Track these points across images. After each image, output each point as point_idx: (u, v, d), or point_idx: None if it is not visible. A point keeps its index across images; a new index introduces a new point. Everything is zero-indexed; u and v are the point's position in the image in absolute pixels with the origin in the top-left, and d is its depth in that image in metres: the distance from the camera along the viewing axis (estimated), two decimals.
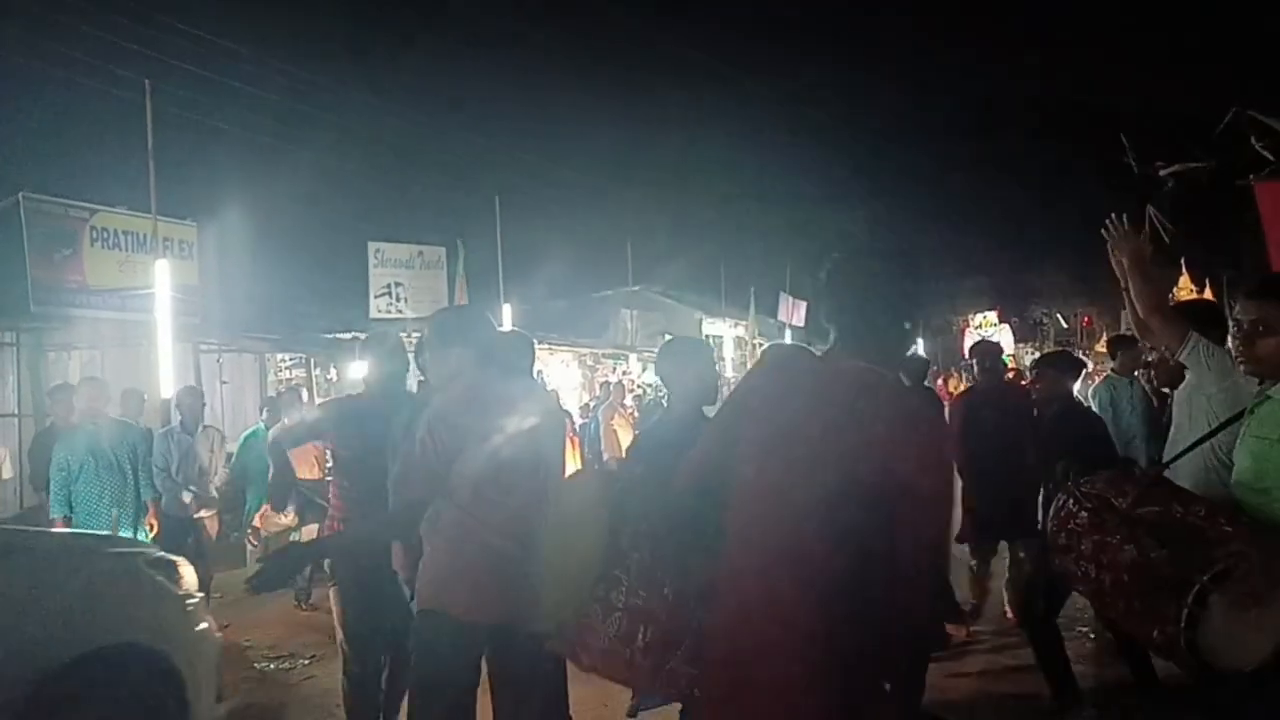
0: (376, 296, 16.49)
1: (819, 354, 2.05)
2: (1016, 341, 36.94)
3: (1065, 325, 41.56)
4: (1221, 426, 2.81)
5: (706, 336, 25.89)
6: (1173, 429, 3.35)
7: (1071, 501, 2.57)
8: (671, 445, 2.63)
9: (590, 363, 20.15)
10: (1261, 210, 5.72)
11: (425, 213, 22.11)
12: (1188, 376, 3.23)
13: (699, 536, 2.05)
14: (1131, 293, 3.28)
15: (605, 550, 2.14)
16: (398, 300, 16.63)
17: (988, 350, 5.94)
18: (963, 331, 36.56)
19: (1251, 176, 5.75)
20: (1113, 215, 3.22)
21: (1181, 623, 2.14)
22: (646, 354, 21.79)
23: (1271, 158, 5.56)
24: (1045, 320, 42.02)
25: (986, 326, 35.99)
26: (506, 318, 15.92)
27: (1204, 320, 3.47)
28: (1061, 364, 5.12)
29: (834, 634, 1.79)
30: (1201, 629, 2.13)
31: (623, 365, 20.88)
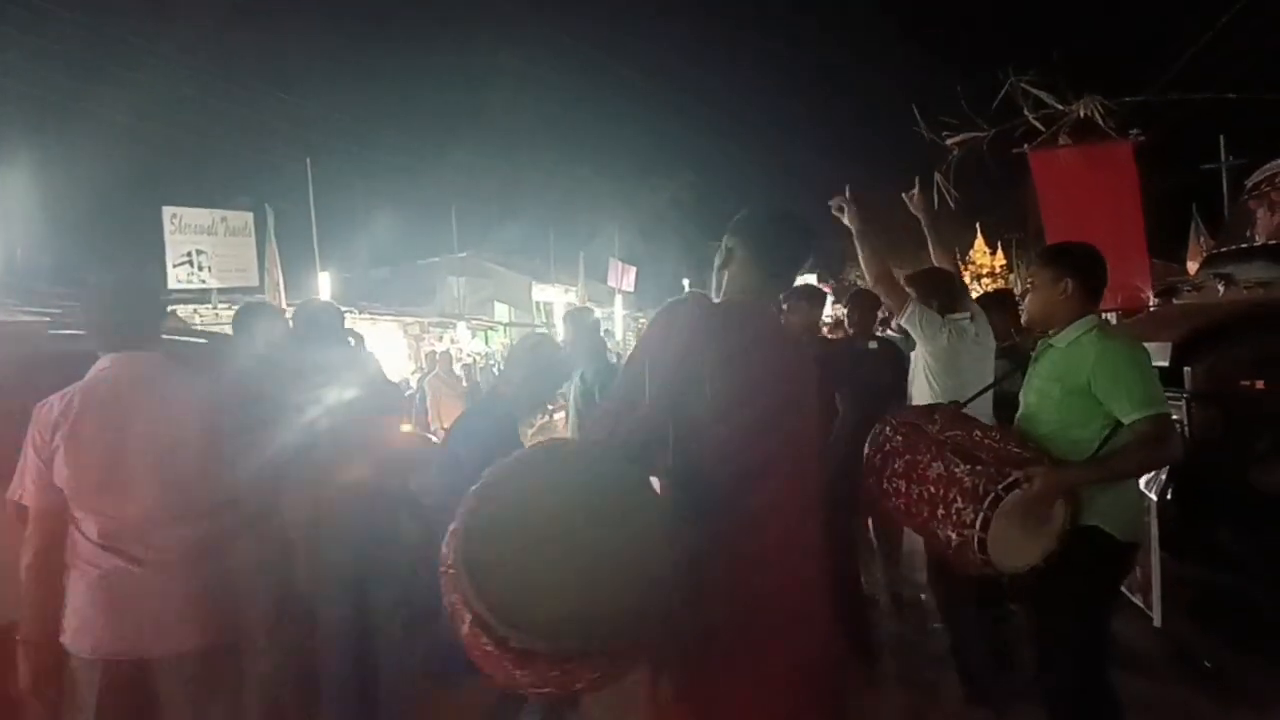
0: (175, 265, 15.22)
1: (737, 300, 2.19)
2: (834, 303, 38.87)
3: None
4: (1002, 379, 3.34)
5: (537, 303, 25.67)
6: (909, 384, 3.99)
7: (888, 428, 2.89)
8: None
9: (416, 332, 19.52)
10: (1035, 177, 6.22)
11: (229, 175, 20.61)
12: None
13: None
14: (862, 261, 3.77)
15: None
16: (199, 269, 15.43)
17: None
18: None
19: (1026, 146, 6.24)
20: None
21: (976, 526, 2.47)
22: (476, 322, 21.34)
23: (1043, 128, 6.04)
24: (860, 283, 44.34)
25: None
26: (324, 287, 15.14)
27: (928, 288, 3.94)
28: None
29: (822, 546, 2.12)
30: (991, 533, 2.47)
31: (451, 333, 20.36)
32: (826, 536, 2.15)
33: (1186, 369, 4.78)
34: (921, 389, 3.84)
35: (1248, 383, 4.65)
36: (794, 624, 2.00)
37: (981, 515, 2.46)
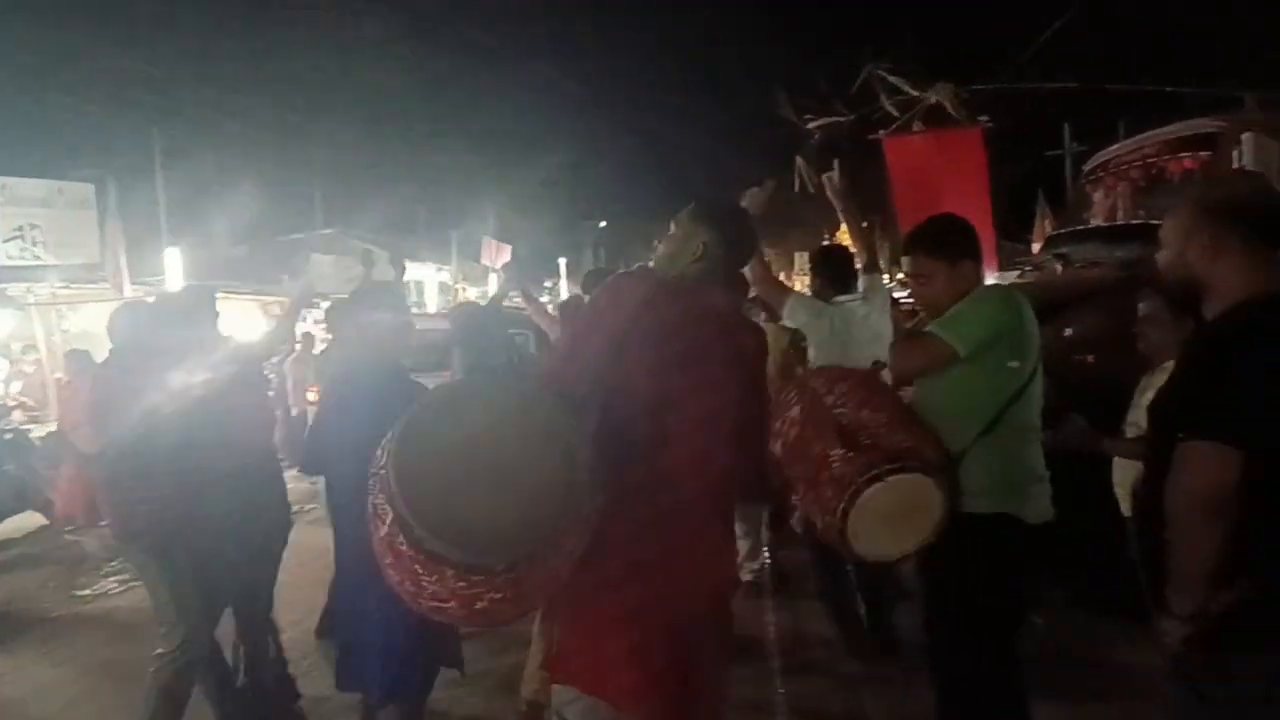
0: (5, 241, 13.98)
1: (687, 280, 2.27)
2: None
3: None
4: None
5: (408, 281, 24.94)
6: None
7: (794, 392, 2.80)
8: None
9: (277, 312, 18.61)
10: (889, 162, 6.46)
11: (68, 144, 19.03)
12: None
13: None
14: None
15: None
16: (33, 244, 14.21)
17: None
18: None
19: (881, 132, 6.46)
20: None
21: (837, 514, 2.46)
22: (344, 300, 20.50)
23: (898, 114, 6.27)
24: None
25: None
26: (171, 264, 14.22)
27: (826, 266, 4.02)
28: None
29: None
30: (851, 523, 2.46)
31: (315, 313, 19.50)
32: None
33: None
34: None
35: (1080, 358, 4.99)
36: (684, 583, 2.09)
37: (841, 505, 2.46)
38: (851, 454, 2.50)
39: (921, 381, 2.83)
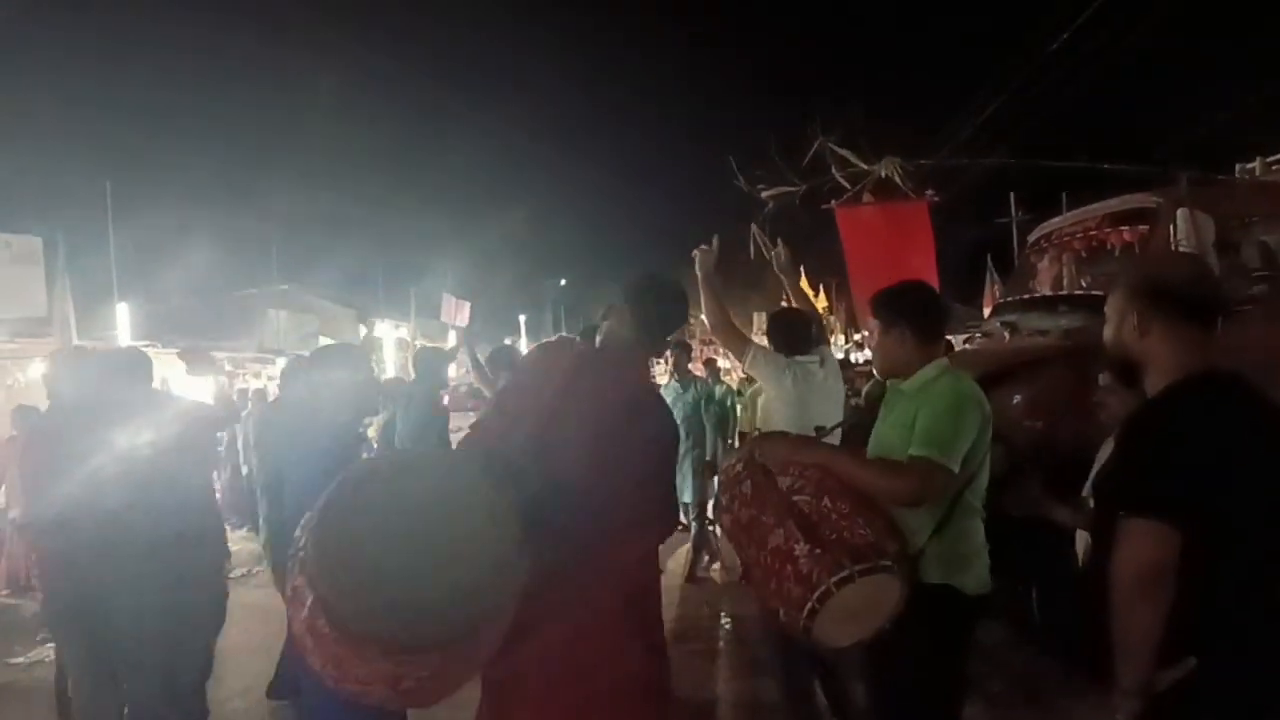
0: None
1: (611, 351, 2.40)
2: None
3: (690, 323, 45.38)
4: (840, 424, 3.30)
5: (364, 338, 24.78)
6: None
7: (741, 466, 2.67)
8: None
9: (229, 368, 18.28)
10: (841, 231, 6.65)
11: (16, 197, 18.75)
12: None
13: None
14: (703, 307, 3.81)
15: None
16: None
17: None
18: None
19: (833, 202, 6.66)
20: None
21: (804, 612, 2.39)
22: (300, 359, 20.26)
23: (849, 185, 6.47)
24: (692, 320, 45.63)
25: None
26: (122, 319, 13.96)
27: (782, 327, 4.06)
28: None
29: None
30: (818, 620, 2.39)
31: (269, 369, 19.23)
32: None
33: None
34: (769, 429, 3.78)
35: (1030, 424, 5.10)
36: (600, 663, 2.11)
37: (810, 605, 2.38)
38: (818, 551, 2.42)
39: (885, 450, 2.74)
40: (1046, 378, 5.11)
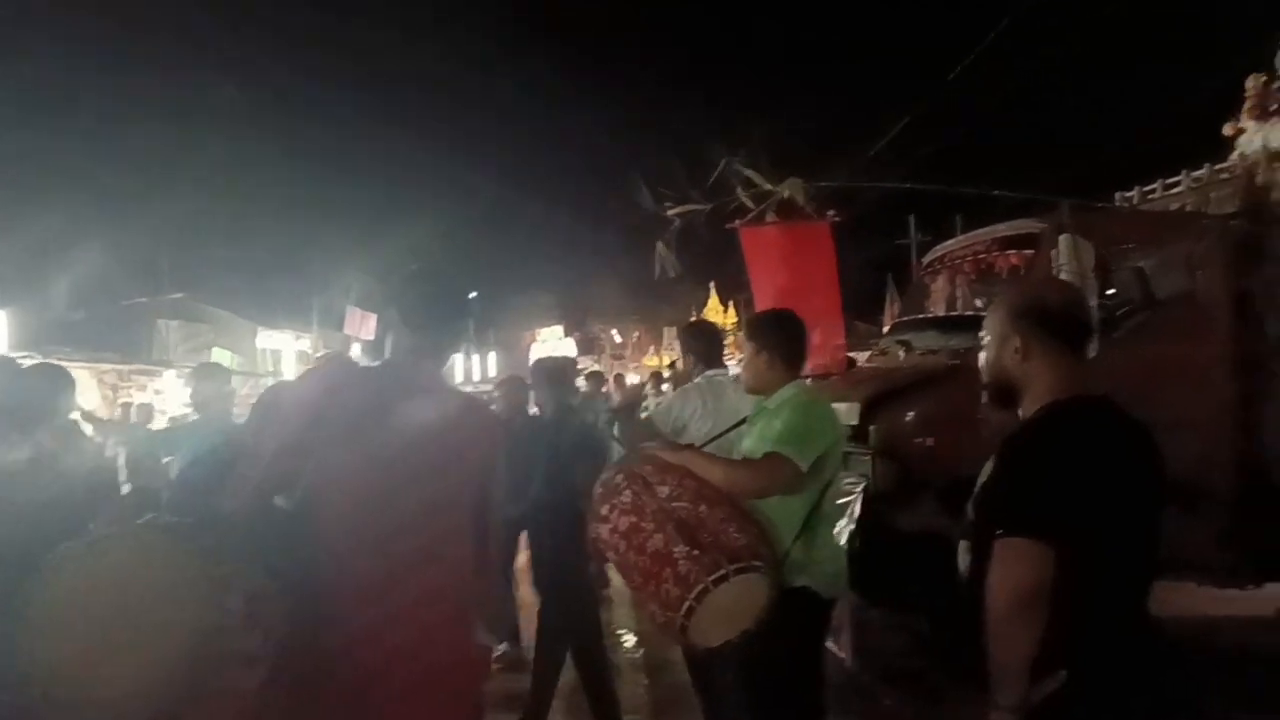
0: None
1: (384, 364, 2.19)
2: (580, 354, 39.97)
3: (619, 340, 45.56)
4: (731, 429, 3.34)
5: (263, 350, 23.98)
6: None
7: (620, 477, 2.81)
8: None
9: (112, 381, 17.35)
10: (745, 251, 6.76)
11: None
12: None
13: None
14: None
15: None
16: None
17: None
18: (529, 344, 38.48)
19: (737, 221, 6.77)
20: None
21: (681, 612, 2.53)
22: (189, 370, 19.40)
23: (753, 205, 6.58)
24: (602, 335, 45.74)
25: (553, 340, 38.34)
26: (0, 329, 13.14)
27: (696, 338, 4.13)
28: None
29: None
30: (695, 619, 2.54)
31: (156, 383, 18.31)
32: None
33: (871, 427, 5.31)
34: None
35: (920, 441, 5.25)
36: (397, 696, 1.98)
37: (687, 604, 2.52)
38: (696, 552, 2.57)
39: None
40: (937, 396, 5.26)
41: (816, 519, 2.88)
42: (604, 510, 2.79)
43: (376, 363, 2.21)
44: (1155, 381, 5.16)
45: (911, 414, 5.29)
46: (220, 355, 22.18)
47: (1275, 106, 6.33)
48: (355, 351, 24.16)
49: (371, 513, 1.95)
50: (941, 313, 6.73)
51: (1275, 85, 6.46)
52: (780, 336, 3.06)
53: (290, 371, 23.02)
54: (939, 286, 7.05)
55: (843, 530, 5.20)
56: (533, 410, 5.15)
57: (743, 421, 3.20)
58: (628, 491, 2.77)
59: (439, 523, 2.03)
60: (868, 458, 5.24)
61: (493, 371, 35.51)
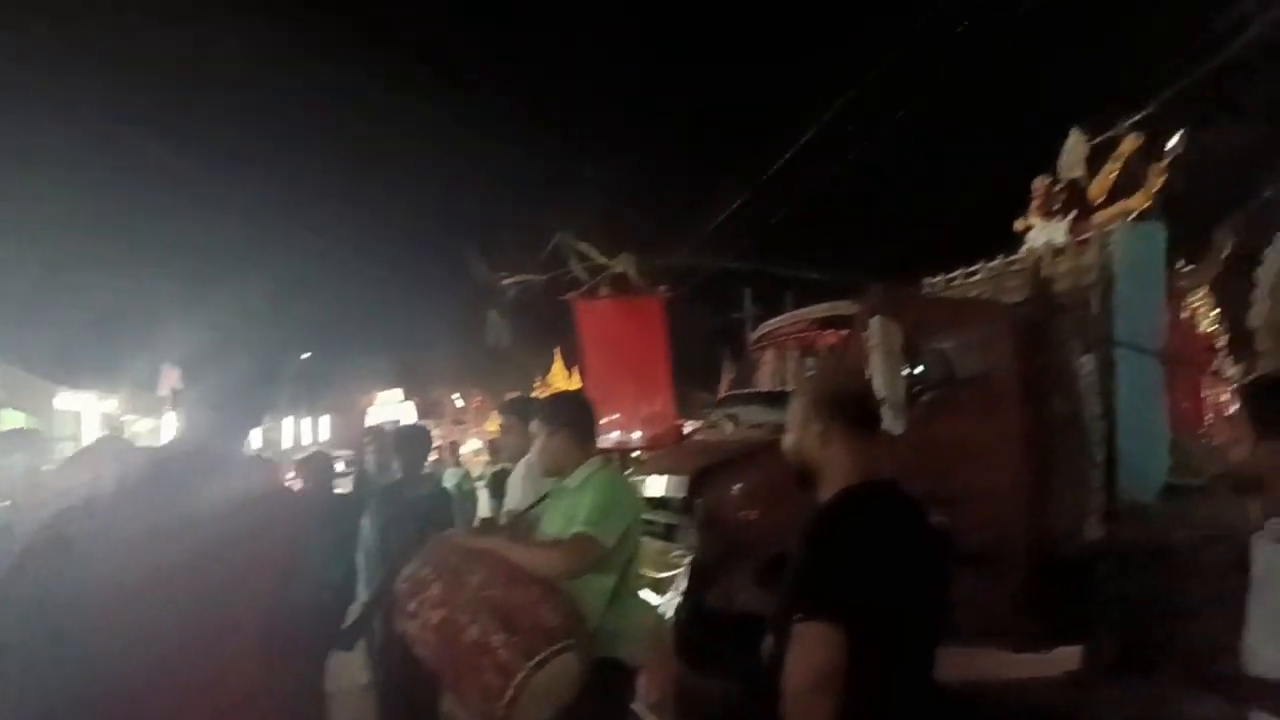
0: None
1: (169, 454, 1.97)
2: (420, 418, 38.73)
3: (460, 405, 44.66)
4: (536, 503, 3.30)
5: (61, 412, 21.93)
6: None
7: (428, 569, 2.75)
8: None
9: None
10: (578, 322, 6.85)
11: None
12: None
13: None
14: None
15: None
16: None
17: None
18: (365, 407, 37.08)
19: (571, 294, 6.86)
20: None
21: (504, 700, 2.47)
22: None
23: (587, 278, 6.69)
24: (444, 400, 44.73)
25: (392, 404, 37.09)
26: None
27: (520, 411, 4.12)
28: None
29: None
30: (517, 706, 2.48)
31: None
32: None
33: (698, 500, 5.40)
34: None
35: (744, 513, 5.37)
36: None
37: (509, 694, 2.49)
38: (515, 638, 2.55)
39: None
40: (761, 470, 5.41)
41: (623, 590, 2.95)
42: (411, 606, 2.73)
43: (161, 445, 1.96)
44: (956, 455, 5.55)
45: (736, 487, 5.42)
46: (13, 419, 20.11)
47: (1057, 207, 7.05)
48: (168, 417, 22.50)
49: (134, 648, 1.65)
50: (767, 387, 6.99)
51: (1057, 188, 7.21)
52: (574, 415, 3.11)
53: (91, 436, 21.13)
54: (767, 361, 7.35)
55: (669, 601, 5.28)
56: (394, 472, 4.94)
57: (542, 499, 3.23)
58: (437, 585, 2.72)
59: (219, 651, 1.75)
60: (694, 530, 5.32)
61: (325, 436, 33.91)
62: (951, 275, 7.50)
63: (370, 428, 6.52)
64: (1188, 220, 6.65)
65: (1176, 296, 6.45)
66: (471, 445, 14.39)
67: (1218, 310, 8.24)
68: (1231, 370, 7.65)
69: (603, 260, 6.54)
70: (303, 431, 33.74)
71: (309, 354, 39.30)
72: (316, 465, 5.41)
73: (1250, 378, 4.47)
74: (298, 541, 2.00)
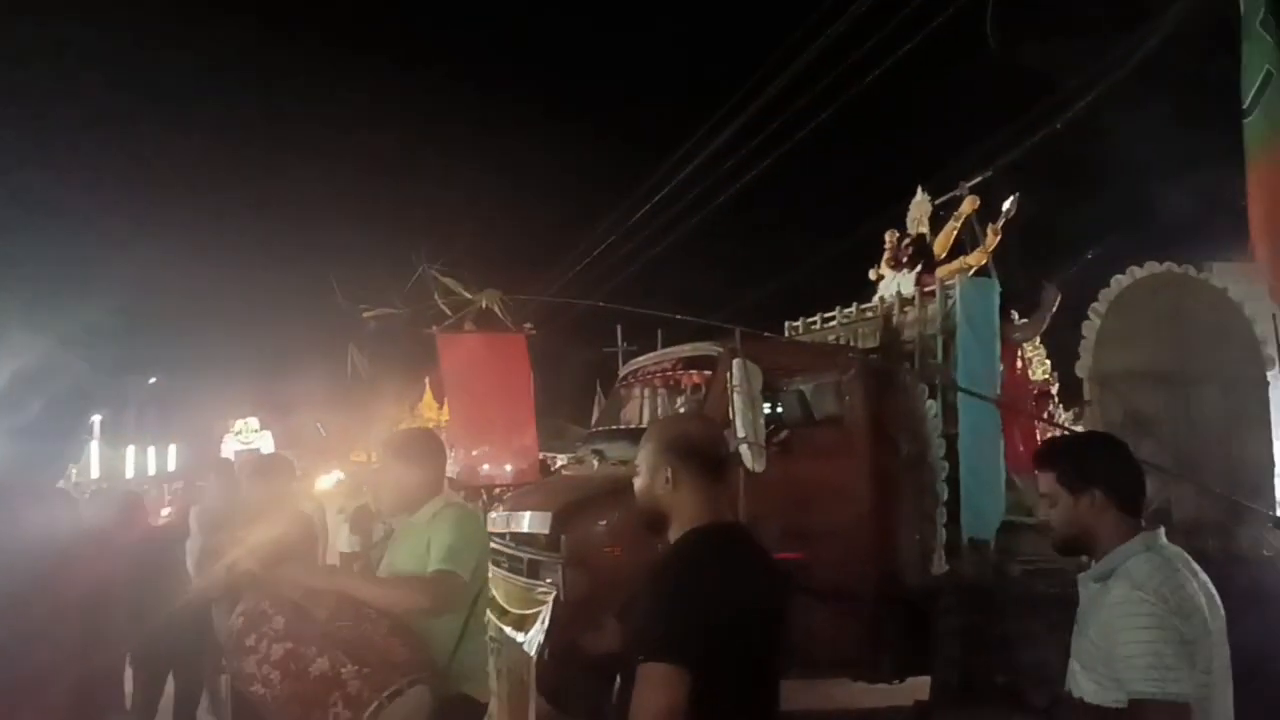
0: None
1: None
2: (279, 448, 37.01)
3: (324, 433, 42.97)
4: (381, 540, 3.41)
5: None
6: None
7: (268, 605, 2.68)
8: None
9: None
10: (441, 357, 6.79)
11: None
12: None
13: None
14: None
15: None
16: None
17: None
18: (221, 435, 35.24)
19: (435, 327, 6.79)
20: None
21: None
22: None
23: (450, 313, 6.64)
24: (306, 429, 42.98)
25: (249, 433, 35.32)
26: None
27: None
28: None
29: None
30: None
31: None
32: None
33: (562, 536, 5.40)
34: None
35: (609, 550, 5.40)
36: None
37: None
38: (367, 670, 2.53)
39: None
40: (624, 507, 5.43)
41: (473, 627, 2.95)
42: (249, 641, 2.62)
43: None
44: (811, 493, 5.78)
45: (600, 524, 5.45)
46: None
47: (905, 259, 7.50)
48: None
49: None
50: (634, 424, 7.06)
51: (905, 241, 7.67)
52: (421, 452, 3.10)
53: None
54: (634, 398, 7.44)
55: (532, 638, 5.23)
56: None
57: (387, 536, 3.25)
58: (279, 618, 2.65)
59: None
60: (559, 566, 5.31)
61: (173, 465, 31.88)
62: (811, 320, 7.84)
63: (220, 459, 6.27)
64: (1020, 277, 7.21)
65: (1011, 347, 6.93)
66: (333, 476, 13.86)
67: (1048, 361, 8.95)
68: (1063, 416, 8.31)
69: (467, 295, 6.52)
70: (147, 461, 31.64)
71: (155, 379, 37.06)
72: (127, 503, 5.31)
73: (1047, 440, 4.80)
74: (104, 574, 1.95)
